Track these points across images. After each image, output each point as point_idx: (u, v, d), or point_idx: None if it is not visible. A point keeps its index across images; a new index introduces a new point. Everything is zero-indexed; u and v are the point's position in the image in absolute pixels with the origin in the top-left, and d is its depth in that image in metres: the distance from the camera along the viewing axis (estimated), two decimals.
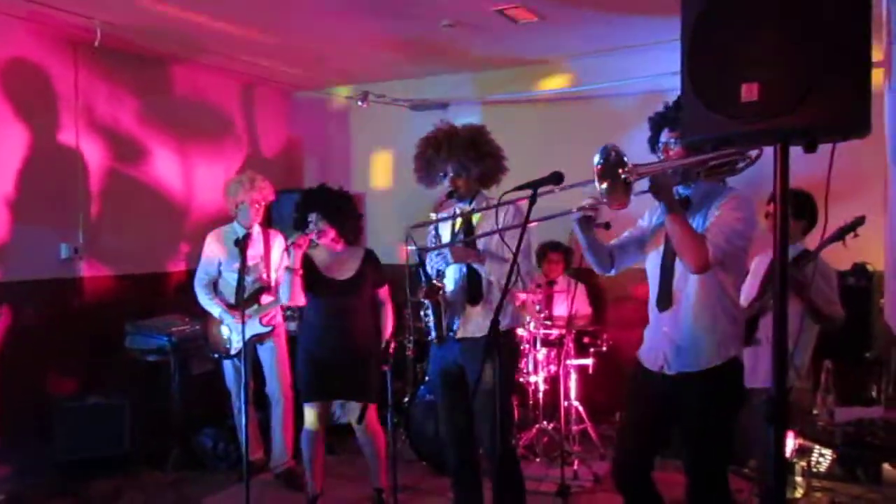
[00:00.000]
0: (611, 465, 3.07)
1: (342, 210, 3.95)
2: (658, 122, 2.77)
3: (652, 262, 2.84)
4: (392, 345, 3.98)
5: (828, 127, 1.68)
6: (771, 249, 3.68)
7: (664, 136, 2.72)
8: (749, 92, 1.70)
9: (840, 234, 3.33)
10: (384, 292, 4.11)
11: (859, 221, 3.29)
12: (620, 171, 2.34)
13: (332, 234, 3.90)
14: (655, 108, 2.83)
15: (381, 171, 6.70)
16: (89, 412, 4.72)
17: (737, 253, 2.62)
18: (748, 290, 3.67)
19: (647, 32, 4.90)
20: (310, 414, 3.92)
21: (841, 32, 1.60)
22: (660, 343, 2.75)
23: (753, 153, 2.39)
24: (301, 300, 3.87)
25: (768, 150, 1.84)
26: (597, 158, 2.39)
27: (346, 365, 3.85)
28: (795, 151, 1.78)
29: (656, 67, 5.03)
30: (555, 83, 5.90)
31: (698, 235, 2.55)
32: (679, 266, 2.68)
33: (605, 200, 2.44)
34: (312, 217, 3.88)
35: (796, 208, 3.46)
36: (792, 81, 1.63)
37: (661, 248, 2.77)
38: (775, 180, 1.83)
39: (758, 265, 3.74)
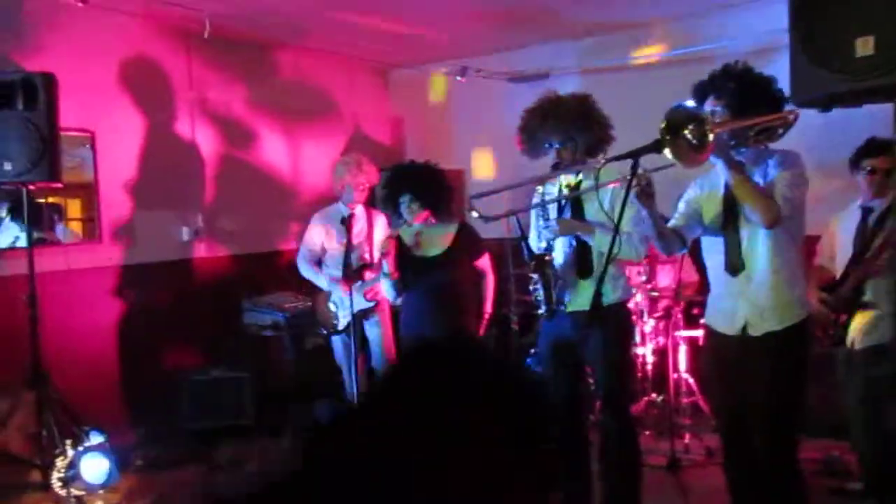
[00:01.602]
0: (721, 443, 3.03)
1: (433, 187, 3.88)
2: (703, 90, 2.74)
3: (712, 230, 2.84)
4: (487, 316, 3.94)
5: None
6: (849, 207, 3.51)
7: (708, 104, 2.70)
8: (864, 46, 1.61)
9: None
10: (484, 263, 4.02)
11: None
12: (686, 130, 2.38)
13: (425, 214, 3.87)
14: (764, 68, 2.72)
15: (481, 146, 6.70)
16: (213, 384, 5.01)
17: (800, 205, 2.67)
18: (840, 250, 3.50)
19: None
20: None
21: None
22: (737, 307, 2.76)
23: (792, 117, 2.47)
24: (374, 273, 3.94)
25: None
26: (662, 125, 2.41)
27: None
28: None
29: (763, 24, 4.77)
30: (656, 48, 5.70)
31: (766, 190, 2.59)
32: (745, 229, 2.69)
33: (677, 162, 2.46)
34: (404, 199, 3.85)
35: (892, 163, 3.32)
36: None
37: (721, 213, 2.77)
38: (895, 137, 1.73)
39: (841, 223, 3.55)
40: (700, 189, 2.92)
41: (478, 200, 3.25)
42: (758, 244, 2.69)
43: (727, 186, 2.73)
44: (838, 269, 3.49)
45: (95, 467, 3.91)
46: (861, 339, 3.36)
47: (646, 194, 2.71)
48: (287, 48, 5.95)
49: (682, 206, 2.97)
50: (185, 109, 5.36)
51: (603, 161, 2.86)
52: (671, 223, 2.94)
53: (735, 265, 2.75)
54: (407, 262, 3.87)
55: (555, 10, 5.17)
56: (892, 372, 2.89)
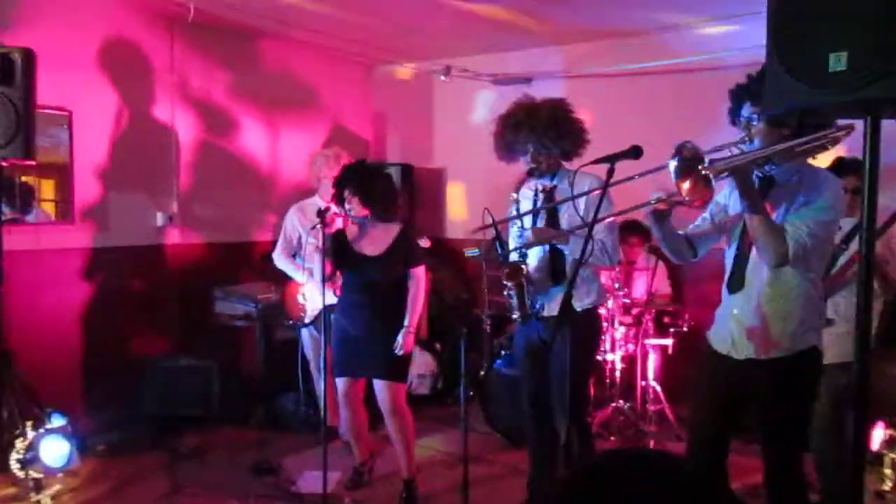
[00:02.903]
0: (685, 451, 3.02)
1: (374, 187, 3.86)
2: (739, 95, 2.61)
3: (730, 244, 2.74)
4: (413, 326, 3.84)
5: None
6: None
7: (746, 110, 2.56)
8: (837, 61, 1.63)
9: None
10: (417, 273, 3.90)
11: None
12: (700, 167, 2.23)
13: (364, 212, 3.83)
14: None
15: (462, 146, 6.71)
16: (180, 372, 4.97)
17: (821, 244, 2.49)
18: None
19: (739, 3, 4.70)
20: (340, 387, 3.94)
21: None
22: (728, 325, 2.68)
23: (841, 134, 2.26)
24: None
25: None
26: (673, 163, 2.32)
27: (371, 343, 3.79)
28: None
29: (749, 40, 4.81)
30: (642, 56, 5.74)
31: (778, 231, 2.42)
32: (754, 252, 2.57)
33: (686, 199, 2.37)
34: (347, 194, 3.83)
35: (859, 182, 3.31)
36: (883, 49, 1.55)
37: (739, 231, 2.66)
38: (864, 156, 1.75)
39: None
40: (728, 198, 2.79)
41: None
42: (762, 269, 2.56)
43: None
44: None
45: (55, 450, 3.84)
46: (825, 354, 3.41)
47: (660, 215, 2.60)
48: (272, 38, 5.92)
49: (707, 212, 2.84)
50: (165, 94, 5.31)
51: (578, 167, 2.83)
52: (690, 228, 2.84)
53: (735, 282, 2.67)
54: (344, 255, 3.87)
55: (541, 15, 5.19)
56: (851, 383, 2.92)
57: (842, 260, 3.32)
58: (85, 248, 4.90)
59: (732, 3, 4.74)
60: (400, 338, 3.79)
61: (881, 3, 1.56)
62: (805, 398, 2.62)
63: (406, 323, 3.82)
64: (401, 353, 3.80)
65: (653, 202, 2.54)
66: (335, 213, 3.86)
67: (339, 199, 3.88)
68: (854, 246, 3.23)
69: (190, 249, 5.50)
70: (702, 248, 2.82)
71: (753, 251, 2.57)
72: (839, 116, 1.82)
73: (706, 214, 2.85)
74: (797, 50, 1.72)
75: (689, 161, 2.30)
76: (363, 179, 3.87)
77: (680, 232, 2.80)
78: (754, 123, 2.51)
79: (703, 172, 2.24)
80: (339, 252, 3.87)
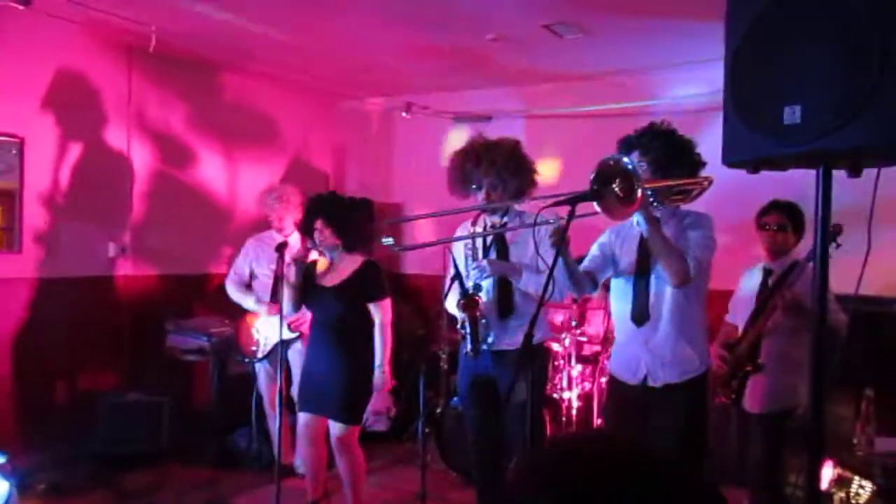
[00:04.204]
0: None
1: (346, 217, 3.79)
2: (628, 146, 2.87)
3: (622, 278, 2.94)
4: (387, 364, 3.75)
5: (872, 150, 1.66)
6: (757, 265, 3.67)
7: (633, 158, 2.76)
8: (792, 114, 1.69)
9: None
10: (382, 307, 3.77)
11: (837, 230, 3.18)
12: (614, 183, 2.45)
13: (336, 242, 3.76)
14: (709, 125, 2.88)
15: (421, 182, 6.75)
16: (129, 408, 4.84)
17: (708, 269, 2.82)
18: (741, 309, 3.65)
19: (693, 50, 4.86)
20: (301, 422, 3.81)
21: (887, 55, 1.58)
22: (639, 356, 2.84)
23: (707, 183, 2.70)
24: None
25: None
26: (593, 175, 2.48)
27: (330, 381, 3.68)
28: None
29: (702, 86, 4.99)
30: (601, 99, 5.88)
31: (679, 250, 2.69)
32: (654, 281, 2.78)
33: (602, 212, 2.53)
34: (318, 224, 3.75)
35: (793, 221, 3.53)
36: (835, 104, 1.61)
37: (635, 263, 2.86)
38: (817, 204, 1.81)
39: (746, 282, 3.70)
40: (616, 236, 3.02)
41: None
42: (664, 298, 2.79)
43: (643, 239, 2.81)
44: (739, 326, 3.64)
45: None
46: (758, 402, 3.50)
47: (561, 240, 2.73)
48: (233, 70, 5.90)
49: (595, 250, 3.08)
50: (121, 123, 5.23)
51: (541, 208, 2.90)
52: (583, 265, 3.03)
53: (640, 315, 2.84)
54: (311, 288, 3.80)
55: (500, 56, 5.28)
56: (800, 431, 3.03)
57: (771, 304, 3.43)
58: (32, 279, 4.76)
59: (688, 49, 4.90)
60: (377, 379, 3.70)
61: (835, 58, 1.63)
62: (705, 416, 2.91)
63: (379, 362, 3.72)
64: (378, 391, 3.71)
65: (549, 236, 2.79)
66: (305, 248, 3.81)
67: (307, 229, 3.80)
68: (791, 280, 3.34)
69: (142, 281, 5.38)
70: (600, 281, 3.02)
71: (651, 283, 2.79)
72: (793, 166, 1.88)
73: (596, 252, 3.06)
74: (753, 102, 1.78)
75: (607, 178, 2.47)
76: (333, 208, 3.80)
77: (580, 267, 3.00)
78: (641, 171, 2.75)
79: (615, 189, 2.44)
80: (305, 284, 3.79)
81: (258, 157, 6.23)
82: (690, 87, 5.15)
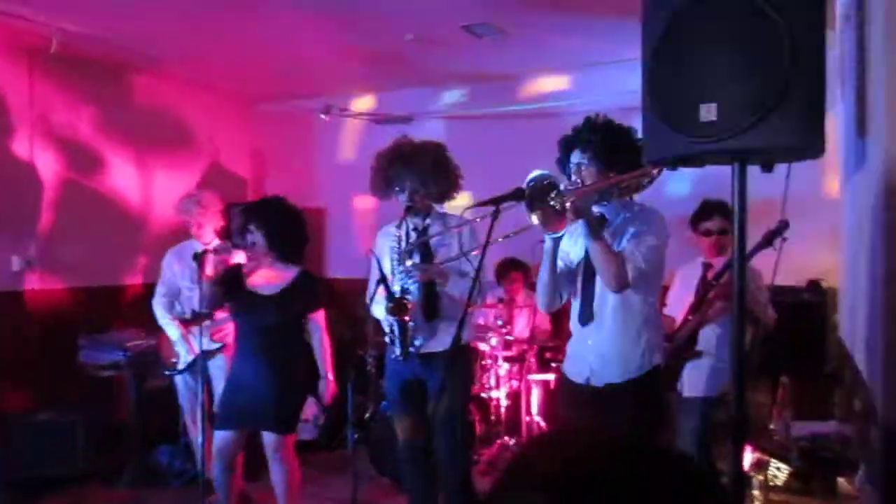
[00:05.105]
0: None
1: (280, 224, 3.68)
2: (568, 144, 2.84)
3: (578, 278, 2.91)
4: (332, 373, 3.71)
5: (783, 148, 1.71)
6: (695, 260, 3.77)
7: (575, 156, 2.79)
8: (707, 112, 1.73)
9: (769, 239, 3.32)
10: (318, 318, 3.73)
11: (784, 226, 3.29)
12: (549, 198, 2.45)
13: (267, 247, 3.65)
14: (633, 124, 2.88)
15: (343, 185, 6.67)
16: (40, 428, 4.59)
17: (654, 269, 2.74)
18: (679, 301, 3.74)
19: (610, 50, 4.96)
20: (218, 441, 3.63)
21: (796, 57, 1.63)
22: (584, 356, 2.83)
23: (655, 171, 2.58)
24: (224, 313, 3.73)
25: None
26: (525, 189, 2.49)
27: (262, 393, 3.54)
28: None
29: (619, 85, 5.08)
30: (519, 99, 5.94)
31: (618, 257, 2.66)
32: (599, 282, 2.76)
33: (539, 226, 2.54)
34: (251, 228, 3.65)
35: (731, 221, 3.56)
36: (749, 103, 1.65)
37: (582, 262, 2.85)
38: (733, 199, 1.86)
39: (685, 275, 3.81)
40: (569, 237, 2.94)
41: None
42: (608, 298, 2.76)
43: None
44: (676, 318, 3.73)
45: None
46: (695, 386, 3.60)
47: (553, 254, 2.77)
48: (142, 72, 5.69)
49: (560, 261, 2.97)
50: (23, 129, 4.97)
51: (460, 213, 2.90)
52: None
53: (586, 315, 2.84)
54: (239, 292, 3.66)
55: (419, 57, 5.27)
56: (726, 419, 3.09)
57: (712, 294, 3.52)
58: None
59: (607, 50, 4.99)
60: (322, 387, 3.67)
61: (747, 56, 1.67)
62: (659, 415, 2.87)
63: (323, 373, 3.68)
64: (323, 402, 3.68)
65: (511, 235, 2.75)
66: (225, 255, 3.68)
67: (242, 238, 3.68)
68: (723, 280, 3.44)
69: (52, 295, 5.13)
70: (565, 293, 2.97)
71: (597, 285, 2.78)
72: (710, 163, 1.93)
73: (560, 265, 2.98)
74: (670, 101, 1.82)
75: (540, 193, 2.48)
76: (268, 214, 3.68)
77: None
78: (584, 167, 2.76)
79: (552, 203, 2.45)
80: (231, 288, 3.63)
81: (172, 162, 6.03)
82: (610, 86, 5.24)
